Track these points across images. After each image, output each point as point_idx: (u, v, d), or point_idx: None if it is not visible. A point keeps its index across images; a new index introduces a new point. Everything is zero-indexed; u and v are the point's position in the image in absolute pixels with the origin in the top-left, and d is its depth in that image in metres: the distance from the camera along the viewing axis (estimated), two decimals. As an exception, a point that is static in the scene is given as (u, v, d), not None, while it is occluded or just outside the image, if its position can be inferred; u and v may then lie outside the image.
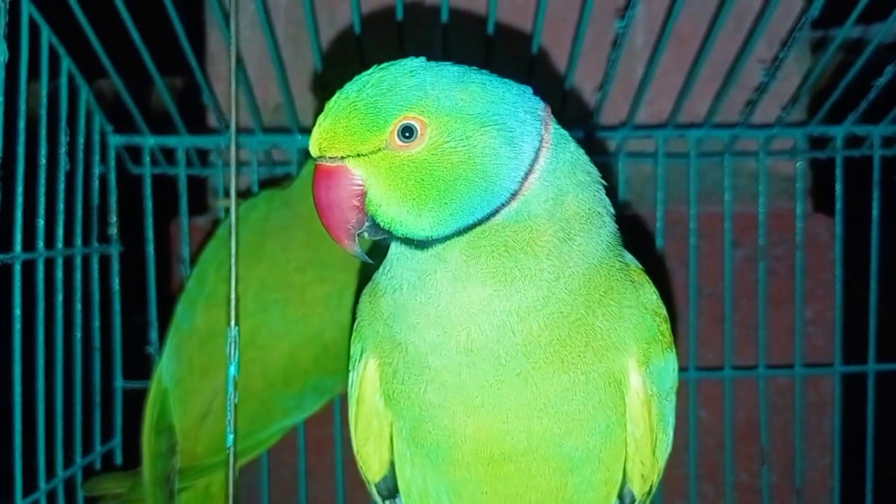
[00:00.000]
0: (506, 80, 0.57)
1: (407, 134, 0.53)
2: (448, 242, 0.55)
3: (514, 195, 0.55)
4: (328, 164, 0.55)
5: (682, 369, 1.11)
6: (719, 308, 1.12)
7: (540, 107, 0.57)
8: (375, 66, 0.56)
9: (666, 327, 0.62)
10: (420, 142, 0.53)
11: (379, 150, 0.54)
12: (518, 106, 0.56)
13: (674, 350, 0.62)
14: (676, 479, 1.13)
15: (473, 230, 0.55)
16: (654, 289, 0.62)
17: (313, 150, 0.56)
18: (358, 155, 0.54)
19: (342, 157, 0.54)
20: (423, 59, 0.56)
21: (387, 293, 0.59)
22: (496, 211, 0.55)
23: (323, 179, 0.55)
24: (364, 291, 0.66)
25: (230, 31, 0.70)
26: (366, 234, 0.56)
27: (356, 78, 0.56)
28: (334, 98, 0.55)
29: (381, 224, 0.55)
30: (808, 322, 1.14)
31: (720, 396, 1.12)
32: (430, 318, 0.56)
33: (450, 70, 0.55)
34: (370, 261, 0.58)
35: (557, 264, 0.56)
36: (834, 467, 1.13)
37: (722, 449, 1.13)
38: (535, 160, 0.56)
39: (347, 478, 1.12)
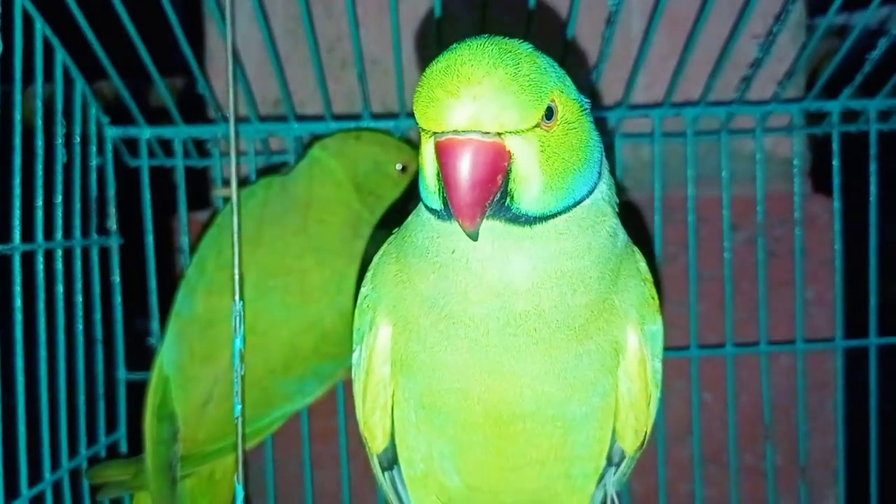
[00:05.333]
0: None
1: (549, 114, 0.54)
2: (551, 220, 0.56)
3: (599, 176, 0.60)
4: (479, 138, 0.51)
5: (684, 348, 1.11)
6: (720, 291, 1.12)
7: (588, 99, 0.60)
8: (484, 38, 0.53)
9: (655, 291, 0.66)
10: (555, 122, 0.54)
11: (534, 127, 0.53)
12: (585, 96, 0.59)
13: (661, 312, 0.66)
14: (681, 461, 1.13)
15: (573, 209, 0.57)
16: (643, 258, 0.67)
17: (461, 122, 0.51)
18: (517, 131, 0.52)
19: (499, 133, 0.52)
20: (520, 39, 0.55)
21: (436, 266, 0.59)
22: (591, 190, 0.59)
23: (476, 156, 0.51)
24: (378, 262, 0.67)
25: (226, 21, 0.71)
26: (488, 213, 0.54)
27: (485, 51, 0.52)
28: (482, 69, 0.51)
29: (516, 201, 0.54)
30: (808, 302, 1.14)
31: (723, 379, 1.12)
32: (496, 292, 0.57)
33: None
34: (477, 239, 0.55)
35: (612, 245, 0.60)
36: (838, 446, 1.13)
37: (726, 431, 1.13)
38: (602, 148, 0.60)
39: (352, 468, 1.12)
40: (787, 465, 1.15)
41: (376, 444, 0.70)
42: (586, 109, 0.58)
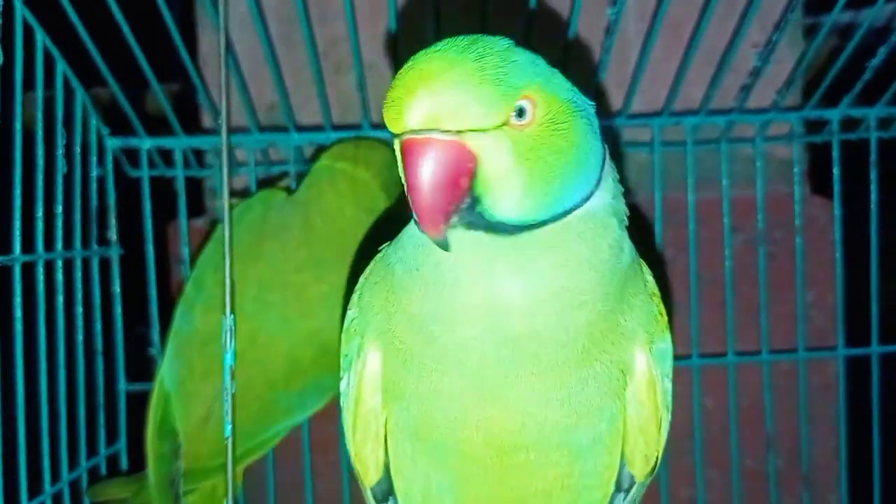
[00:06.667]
0: None
1: (520, 112, 0.50)
2: (536, 230, 0.52)
3: (596, 185, 0.55)
4: (438, 137, 0.48)
5: (685, 356, 1.11)
6: (720, 294, 1.12)
7: (593, 103, 0.56)
8: (460, 37, 0.51)
9: (663, 307, 0.62)
10: (531, 121, 0.50)
11: (501, 125, 0.49)
12: (586, 99, 0.55)
13: (670, 329, 0.63)
14: (682, 467, 1.13)
15: (562, 219, 0.53)
16: (650, 271, 0.63)
17: (418, 121, 0.48)
18: (479, 130, 0.48)
19: (459, 132, 0.48)
20: (506, 38, 0.52)
21: (422, 284, 0.55)
22: (585, 200, 0.54)
23: (433, 155, 0.48)
24: (365, 282, 0.63)
25: (220, 27, 0.71)
26: (455, 219, 0.50)
27: (455, 48, 0.49)
28: (443, 64, 0.48)
29: (484, 206, 0.50)
30: (809, 306, 1.14)
31: (724, 383, 1.12)
32: (485, 310, 0.53)
33: (534, 54, 0.53)
34: (450, 249, 0.51)
35: (615, 261, 0.56)
36: (840, 451, 1.12)
37: (727, 436, 1.13)
38: (604, 155, 0.56)
39: (353, 476, 1.11)
40: (790, 470, 1.15)
41: (369, 477, 0.66)
42: (582, 111, 0.53)
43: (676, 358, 1.08)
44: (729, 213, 1.11)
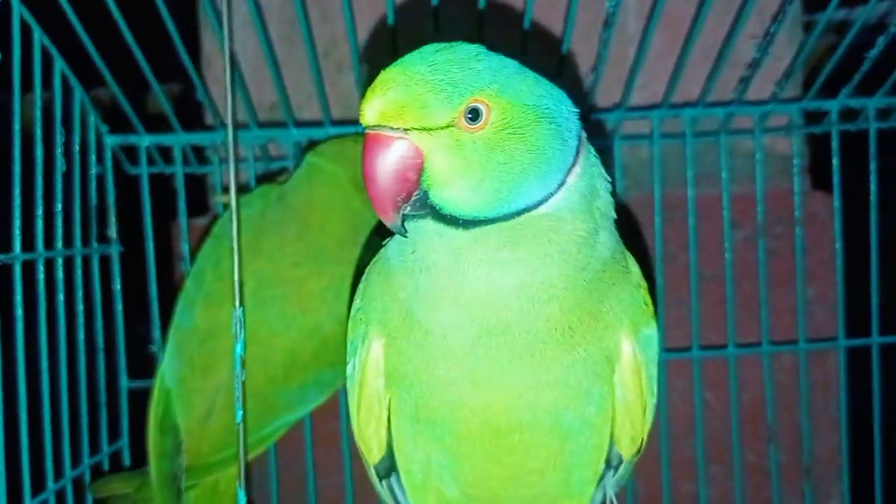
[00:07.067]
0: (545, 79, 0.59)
1: (472, 116, 0.53)
2: (493, 225, 0.56)
3: (559, 186, 0.57)
4: (387, 133, 0.53)
5: (686, 349, 1.11)
6: (720, 290, 1.12)
7: (575, 109, 0.59)
8: (435, 44, 0.55)
9: (649, 297, 0.65)
10: (483, 125, 0.54)
11: (447, 127, 0.53)
12: (563, 103, 0.58)
13: (655, 317, 0.66)
14: (684, 461, 1.13)
15: (520, 216, 0.56)
16: (635, 262, 0.65)
17: (371, 118, 0.53)
18: (424, 129, 0.53)
19: (405, 130, 0.53)
20: (482, 46, 0.56)
21: (406, 272, 0.59)
22: (544, 199, 0.57)
23: (381, 149, 0.54)
24: (369, 272, 0.66)
25: (223, 27, 0.71)
26: (408, 209, 0.55)
27: (420, 54, 0.55)
28: (399, 69, 0.54)
29: (433, 200, 0.54)
30: (810, 300, 1.14)
31: (725, 378, 1.12)
32: (456, 298, 0.57)
33: (508, 60, 0.56)
34: (406, 235, 0.57)
35: (585, 255, 0.59)
36: (841, 444, 1.12)
37: (728, 431, 1.13)
38: (576, 156, 0.58)
39: (355, 472, 1.12)
40: (791, 463, 1.15)
41: (372, 455, 0.70)
42: (549, 117, 0.56)
43: (677, 351, 1.10)
44: (729, 207, 1.10)
